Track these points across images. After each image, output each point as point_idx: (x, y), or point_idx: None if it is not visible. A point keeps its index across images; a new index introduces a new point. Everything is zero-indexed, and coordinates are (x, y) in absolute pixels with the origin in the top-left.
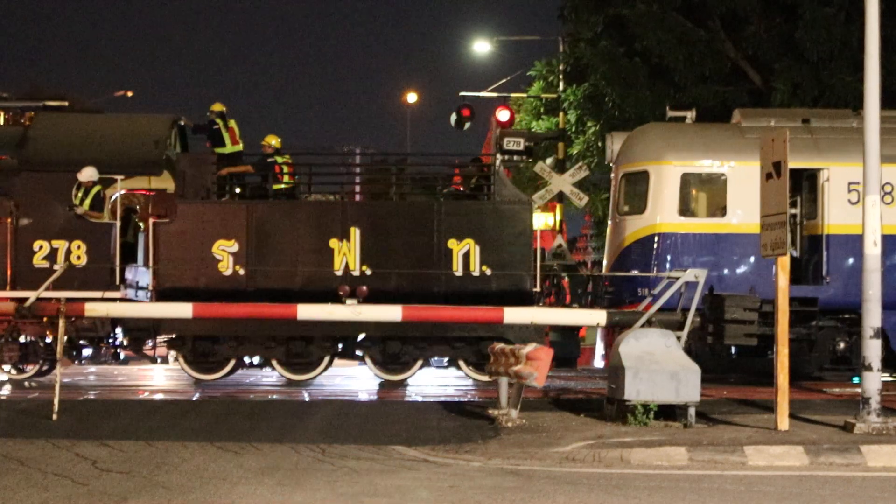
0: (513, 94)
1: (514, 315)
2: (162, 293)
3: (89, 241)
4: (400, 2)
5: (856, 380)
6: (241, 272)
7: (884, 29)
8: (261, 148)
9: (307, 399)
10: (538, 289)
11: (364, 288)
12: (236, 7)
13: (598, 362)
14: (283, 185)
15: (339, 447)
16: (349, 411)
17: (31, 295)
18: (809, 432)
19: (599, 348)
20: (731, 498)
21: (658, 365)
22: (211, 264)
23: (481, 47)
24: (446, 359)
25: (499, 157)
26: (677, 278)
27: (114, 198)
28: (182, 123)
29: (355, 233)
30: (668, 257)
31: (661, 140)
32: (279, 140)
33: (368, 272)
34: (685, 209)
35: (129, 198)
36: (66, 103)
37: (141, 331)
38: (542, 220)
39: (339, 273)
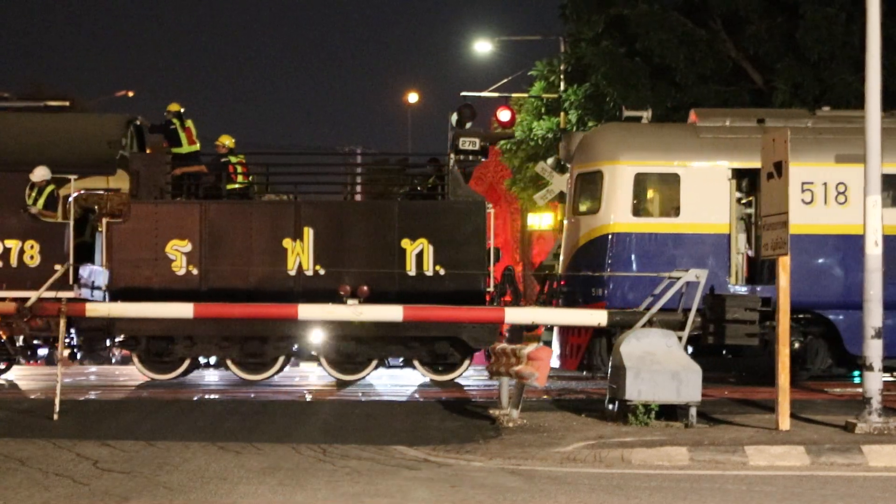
0: (514, 94)
1: (515, 315)
2: (116, 293)
3: (42, 241)
4: (400, 1)
5: (856, 379)
6: (195, 272)
7: (885, 29)
8: (215, 148)
9: (308, 399)
10: (491, 288)
11: (365, 288)
12: (237, 6)
13: (554, 362)
14: (236, 185)
15: (341, 447)
16: (350, 411)
17: None
18: (811, 432)
19: (556, 348)
20: (732, 498)
21: (659, 365)
22: (164, 264)
23: (482, 47)
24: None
25: (452, 157)
26: (678, 278)
27: (71, 198)
28: (138, 123)
29: (308, 233)
30: (622, 257)
31: (614, 140)
32: (233, 140)
33: (322, 272)
34: (639, 209)
35: (87, 198)
36: (67, 103)
37: (95, 331)
38: (546, 221)
39: (292, 273)
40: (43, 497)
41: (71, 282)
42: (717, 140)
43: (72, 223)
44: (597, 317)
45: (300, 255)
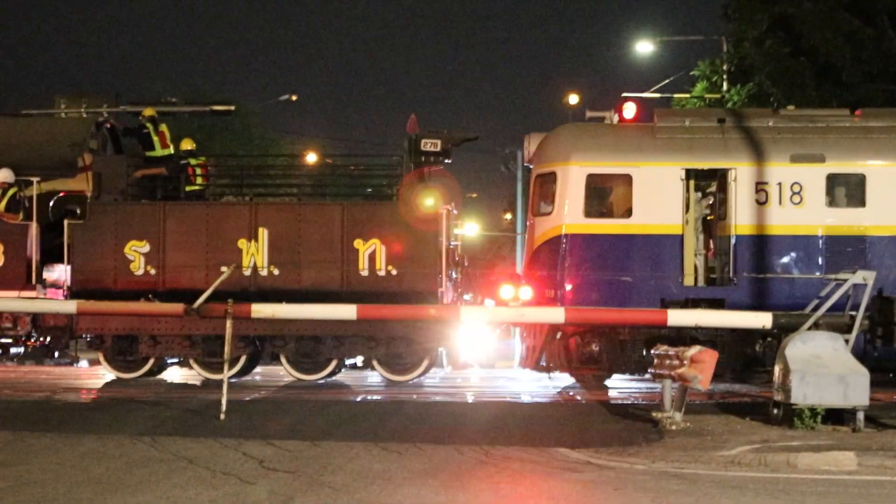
0: (676, 95)
1: (678, 317)
2: (76, 293)
3: (6, 242)
4: (560, 2)
5: None
6: (153, 272)
7: None
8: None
9: (469, 401)
10: (443, 288)
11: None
12: (395, 6)
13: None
14: (196, 187)
15: (503, 449)
16: (512, 413)
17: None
18: None
19: (519, 349)
20: None
21: (825, 368)
22: (123, 264)
23: (644, 48)
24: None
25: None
26: (845, 280)
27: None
28: (109, 126)
29: (263, 234)
30: (575, 258)
31: (568, 141)
32: (193, 143)
33: (276, 272)
34: (591, 210)
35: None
36: (232, 108)
37: (57, 329)
38: None
39: (247, 273)
40: (210, 495)
41: (34, 282)
42: (671, 140)
43: (34, 224)
44: (762, 319)
45: (255, 255)
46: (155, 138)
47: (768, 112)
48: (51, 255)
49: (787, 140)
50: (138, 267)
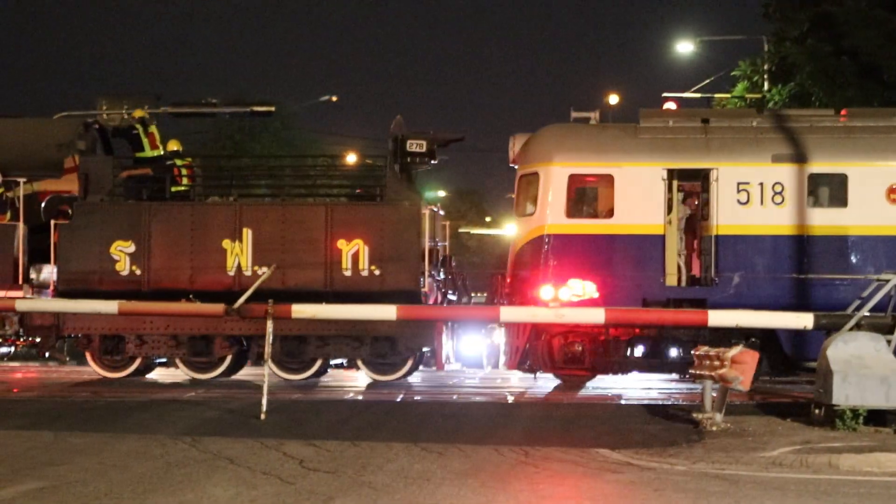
0: (716, 95)
1: (719, 318)
2: (62, 293)
3: None
4: (600, 3)
5: None
6: (138, 272)
7: None
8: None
9: (510, 402)
10: (426, 288)
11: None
12: (438, 7)
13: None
14: (182, 188)
15: (543, 449)
16: (551, 414)
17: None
18: None
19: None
20: None
21: (868, 369)
22: (109, 264)
23: (684, 47)
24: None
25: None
26: (887, 280)
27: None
28: (97, 127)
29: (247, 234)
30: (557, 259)
31: (551, 142)
32: (179, 144)
33: (260, 272)
34: (573, 210)
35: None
36: (272, 108)
37: (44, 329)
38: None
39: (231, 273)
40: (250, 495)
41: (21, 281)
42: (654, 140)
43: (21, 224)
44: (803, 319)
45: (239, 255)
46: (144, 139)
47: (753, 112)
48: (41, 255)
49: (769, 140)
50: (124, 267)
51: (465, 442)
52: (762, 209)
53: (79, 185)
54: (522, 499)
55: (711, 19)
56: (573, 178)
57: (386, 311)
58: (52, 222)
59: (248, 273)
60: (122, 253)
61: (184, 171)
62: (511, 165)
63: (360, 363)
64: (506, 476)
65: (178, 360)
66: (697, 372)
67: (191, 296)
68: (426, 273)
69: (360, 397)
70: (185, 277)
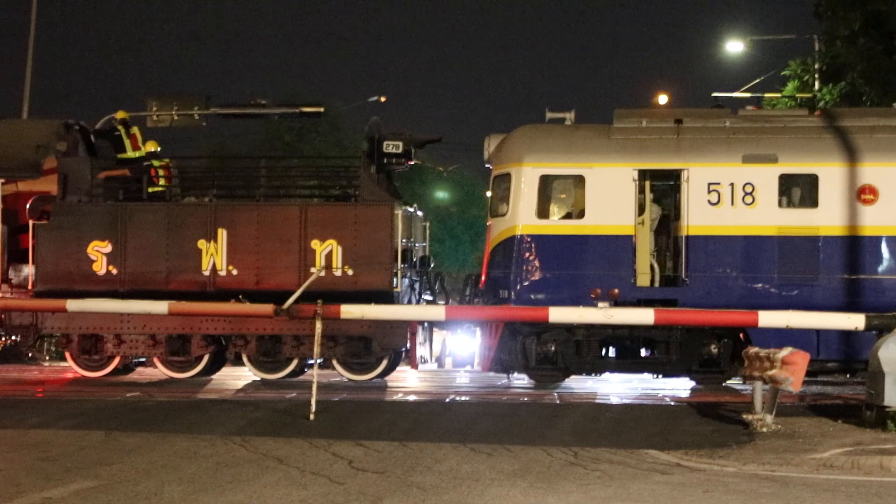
0: (766, 94)
1: (769, 318)
2: (40, 293)
3: None
4: (650, 2)
5: None
6: (114, 272)
7: None
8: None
9: (558, 402)
10: (398, 288)
11: (616, 291)
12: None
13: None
14: (158, 189)
15: (592, 450)
16: (600, 415)
17: None
18: None
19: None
20: None
21: None
22: (86, 264)
23: (734, 47)
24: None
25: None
26: None
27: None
28: (78, 128)
29: (222, 234)
30: (527, 259)
31: (522, 142)
32: (157, 145)
33: (235, 272)
34: (544, 211)
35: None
36: (321, 109)
37: (22, 328)
38: None
39: (206, 273)
40: (300, 495)
41: (0, 282)
42: (626, 141)
43: (1, 226)
44: (854, 320)
45: (214, 255)
46: (126, 141)
47: (727, 112)
48: (22, 255)
49: (740, 140)
50: (100, 267)
51: (514, 442)
52: (733, 210)
53: (57, 186)
54: (572, 500)
55: (762, 18)
56: (544, 179)
57: (434, 312)
58: (31, 223)
59: (223, 273)
60: (98, 253)
61: (160, 172)
62: (486, 165)
63: (334, 363)
64: (555, 477)
65: (155, 360)
66: (748, 373)
67: (240, 296)
68: (399, 273)
69: (409, 398)
70: (161, 277)
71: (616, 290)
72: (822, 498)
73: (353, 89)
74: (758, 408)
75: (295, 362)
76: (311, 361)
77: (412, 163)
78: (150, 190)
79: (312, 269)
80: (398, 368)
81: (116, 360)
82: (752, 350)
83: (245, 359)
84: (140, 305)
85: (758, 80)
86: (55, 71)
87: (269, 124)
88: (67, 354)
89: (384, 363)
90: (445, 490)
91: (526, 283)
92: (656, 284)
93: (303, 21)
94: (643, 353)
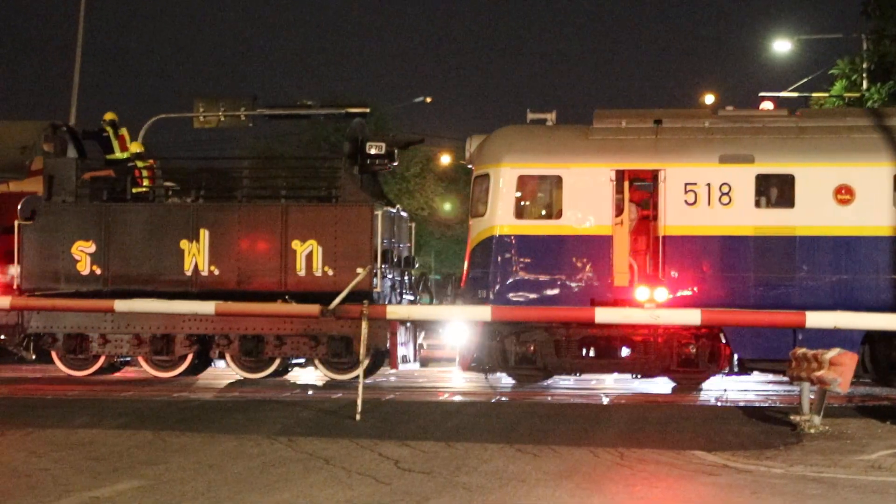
0: (814, 94)
1: (817, 319)
2: (24, 292)
3: None
4: (695, 1)
5: None
6: (98, 272)
7: None
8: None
9: (605, 402)
10: (378, 289)
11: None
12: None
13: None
14: (143, 189)
15: (638, 451)
16: (646, 414)
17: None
18: None
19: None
20: None
21: None
22: (70, 264)
23: (782, 46)
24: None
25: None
26: None
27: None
28: (68, 128)
29: (204, 234)
30: (505, 259)
31: (502, 143)
32: (141, 145)
33: (216, 272)
34: (522, 211)
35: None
36: (367, 109)
37: (8, 327)
38: None
39: (188, 273)
40: (346, 495)
41: None
42: (604, 142)
43: None
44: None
45: (196, 255)
46: (114, 142)
47: (707, 113)
48: (10, 256)
49: (717, 141)
50: (84, 267)
51: (560, 443)
52: (709, 210)
53: (43, 187)
54: (618, 501)
55: (810, 17)
56: (522, 180)
57: (481, 312)
58: (16, 223)
59: (205, 273)
60: (82, 253)
61: (144, 173)
62: (468, 166)
63: (316, 362)
64: (601, 478)
65: (140, 358)
66: (795, 373)
67: (287, 297)
68: (379, 274)
69: (454, 398)
70: (144, 277)
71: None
72: (870, 500)
73: (400, 90)
74: (805, 409)
75: (277, 362)
76: (294, 361)
77: (395, 164)
78: (134, 191)
79: (359, 270)
80: (429, 368)
81: (102, 360)
82: (800, 351)
83: (228, 358)
84: (187, 306)
85: (805, 80)
86: (103, 73)
87: (315, 125)
88: (53, 354)
89: (365, 362)
90: (491, 490)
91: (504, 284)
92: (636, 284)
93: (348, 21)
94: (624, 352)
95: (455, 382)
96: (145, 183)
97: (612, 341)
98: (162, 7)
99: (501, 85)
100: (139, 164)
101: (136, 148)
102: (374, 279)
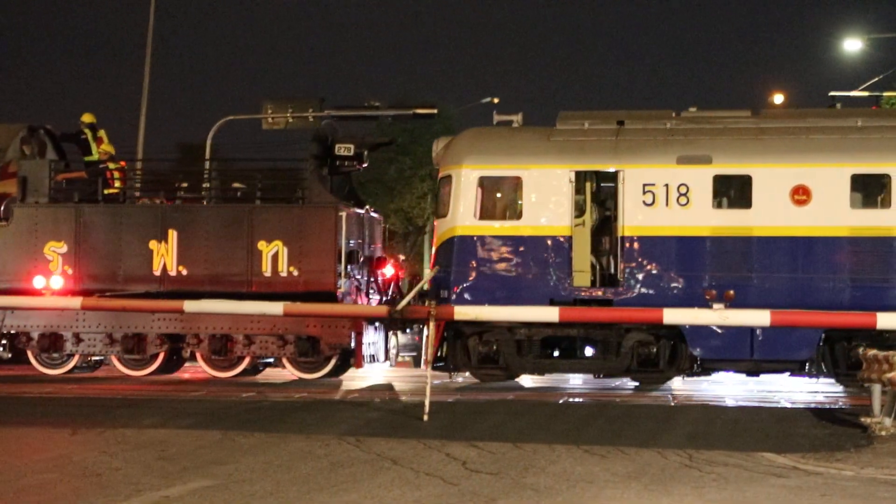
0: (885, 93)
1: (888, 320)
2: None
3: None
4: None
5: None
6: (70, 272)
7: None
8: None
9: (672, 404)
10: (342, 288)
11: (732, 292)
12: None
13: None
14: (114, 190)
15: (707, 453)
16: (715, 417)
17: None
18: None
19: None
20: None
21: None
22: (42, 264)
23: (852, 45)
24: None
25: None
26: None
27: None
28: (46, 130)
29: (173, 235)
30: (467, 259)
31: (464, 144)
32: (112, 147)
33: (185, 272)
34: (483, 212)
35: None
36: (434, 110)
37: None
38: None
39: (157, 273)
40: (414, 496)
41: None
42: (565, 143)
43: None
44: None
45: (165, 256)
46: (93, 144)
47: (669, 114)
48: None
49: (676, 142)
50: (56, 267)
51: (629, 444)
52: (667, 210)
53: (17, 188)
54: (686, 503)
55: (880, 16)
56: (483, 181)
57: (548, 313)
58: None
59: (174, 273)
60: (54, 253)
61: (116, 175)
62: (435, 167)
63: (284, 361)
64: (670, 479)
65: (112, 357)
66: (866, 375)
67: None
68: (343, 273)
69: (522, 399)
70: (115, 277)
71: (731, 292)
72: None
73: (467, 91)
74: (876, 411)
75: (246, 361)
76: (266, 360)
77: (365, 165)
78: (105, 192)
79: (427, 271)
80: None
81: (76, 359)
82: (870, 352)
83: (198, 357)
84: (256, 307)
85: (876, 79)
86: (172, 78)
87: (382, 126)
88: (28, 353)
89: (332, 362)
90: (559, 492)
91: (464, 284)
92: (597, 285)
93: (417, 22)
94: (587, 352)
95: (524, 381)
96: (116, 184)
97: (573, 341)
98: (231, 9)
99: (567, 85)
100: (111, 165)
101: (106, 149)
102: (338, 279)
